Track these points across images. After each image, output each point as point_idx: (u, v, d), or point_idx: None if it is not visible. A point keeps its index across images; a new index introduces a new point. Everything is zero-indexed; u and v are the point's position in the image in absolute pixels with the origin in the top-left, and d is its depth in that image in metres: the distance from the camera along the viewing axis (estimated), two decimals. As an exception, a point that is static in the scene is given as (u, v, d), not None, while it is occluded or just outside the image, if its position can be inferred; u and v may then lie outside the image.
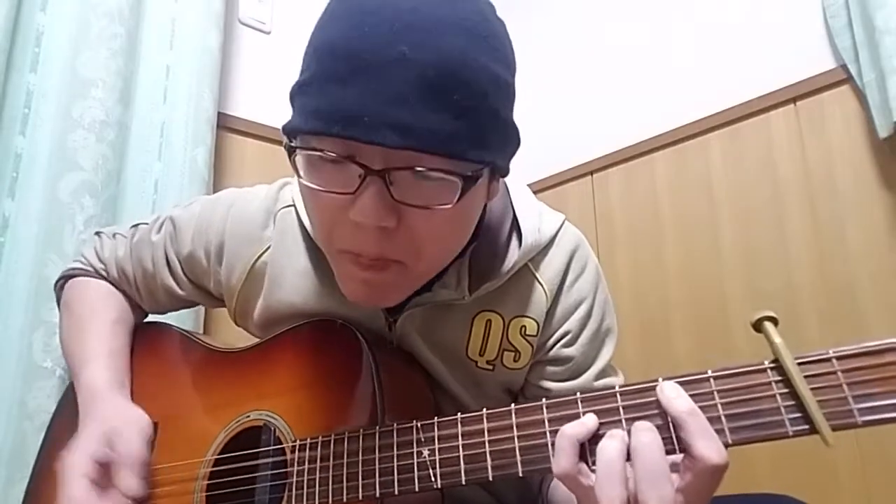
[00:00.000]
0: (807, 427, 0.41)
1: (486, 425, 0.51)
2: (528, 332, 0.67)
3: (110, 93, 1.13)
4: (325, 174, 0.51)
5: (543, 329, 0.68)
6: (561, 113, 1.73)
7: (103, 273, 0.83)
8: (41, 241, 1.02)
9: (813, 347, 0.43)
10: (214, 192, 1.28)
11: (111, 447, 0.64)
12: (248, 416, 0.65)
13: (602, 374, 0.70)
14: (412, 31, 0.46)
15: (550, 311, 0.68)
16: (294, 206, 0.70)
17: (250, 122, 1.45)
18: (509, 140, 0.56)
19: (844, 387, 0.41)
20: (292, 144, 0.51)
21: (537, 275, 0.67)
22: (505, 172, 0.59)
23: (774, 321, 0.44)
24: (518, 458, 0.49)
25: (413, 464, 0.53)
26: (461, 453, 0.51)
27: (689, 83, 1.44)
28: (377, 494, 0.54)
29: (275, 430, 0.63)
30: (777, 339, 0.43)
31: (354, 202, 0.50)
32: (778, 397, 0.43)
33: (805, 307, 1.17)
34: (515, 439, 0.50)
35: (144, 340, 0.81)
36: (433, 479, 0.52)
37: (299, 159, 0.52)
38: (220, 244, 0.73)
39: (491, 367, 0.67)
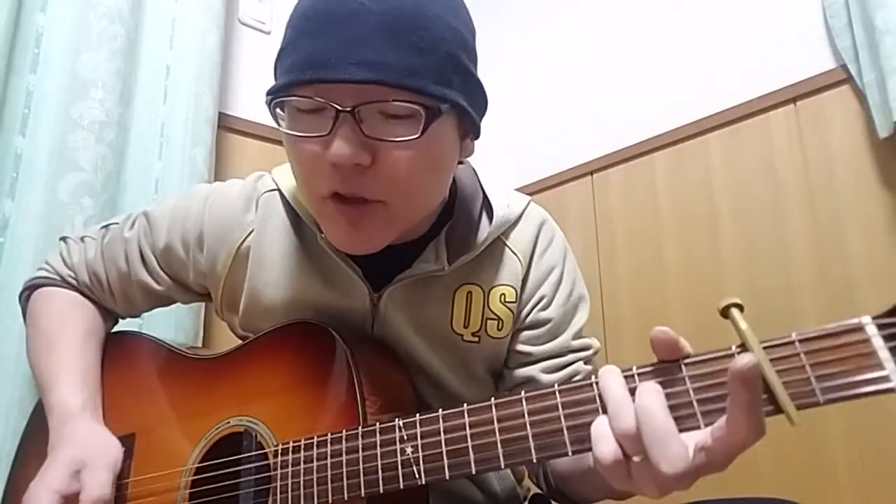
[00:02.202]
0: (772, 408, 0.42)
1: (467, 419, 0.51)
2: (507, 299, 0.70)
3: (110, 93, 1.13)
4: (303, 123, 0.55)
5: (521, 295, 0.71)
6: (561, 113, 1.73)
7: (71, 280, 0.80)
8: (41, 241, 1.02)
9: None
10: (214, 192, 1.28)
11: (78, 479, 0.62)
12: (228, 423, 0.64)
13: (578, 335, 0.73)
14: None
15: (525, 278, 0.72)
16: (278, 189, 0.71)
17: (250, 122, 1.45)
18: (474, 90, 0.60)
19: (807, 368, 0.42)
20: (273, 100, 0.56)
21: (510, 245, 0.72)
22: (476, 130, 0.63)
23: (740, 307, 0.45)
24: (500, 450, 0.49)
25: (397, 462, 0.53)
26: (444, 449, 0.51)
27: (689, 83, 1.44)
28: (362, 494, 0.54)
29: (256, 435, 0.62)
30: (743, 325, 0.44)
31: (330, 143, 0.53)
32: None
33: (805, 307, 1.17)
34: (496, 432, 0.50)
35: (117, 350, 0.78)
36: (417, 475, 0.52)
37: (283, 116, 0.57)
38: (200, 233, 0.73)
39: (476, 339, 0.70)
